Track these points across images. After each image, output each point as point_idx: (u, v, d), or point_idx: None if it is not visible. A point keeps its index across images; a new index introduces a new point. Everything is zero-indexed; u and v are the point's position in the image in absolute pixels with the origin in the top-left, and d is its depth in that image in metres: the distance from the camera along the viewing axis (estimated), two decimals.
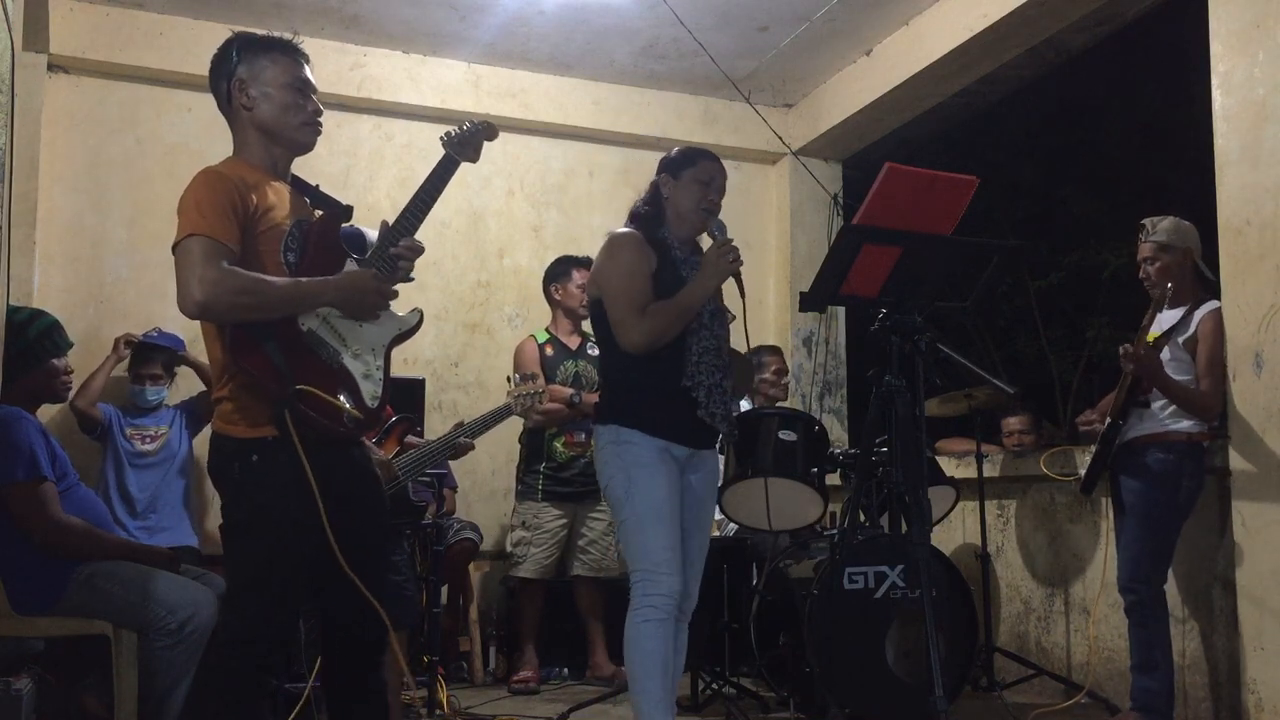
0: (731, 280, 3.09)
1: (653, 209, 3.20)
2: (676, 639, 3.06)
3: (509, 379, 4.56)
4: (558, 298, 5.29)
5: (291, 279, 2.53)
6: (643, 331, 3.00)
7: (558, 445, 5.12)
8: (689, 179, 3.18)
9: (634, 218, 3.22)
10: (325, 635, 2.71)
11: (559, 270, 5.31)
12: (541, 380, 4.55)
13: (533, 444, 5.17)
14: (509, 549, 5.21)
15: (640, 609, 2.94)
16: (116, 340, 5.01)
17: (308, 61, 2.70)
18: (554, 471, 5.12)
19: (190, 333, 5.09)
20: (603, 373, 3.26)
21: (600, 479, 3.12)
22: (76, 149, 5.42)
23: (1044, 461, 4.71)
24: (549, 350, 5.21)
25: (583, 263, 5.30)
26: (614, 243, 3.16)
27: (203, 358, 4.92)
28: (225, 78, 2.64)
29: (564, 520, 5.12)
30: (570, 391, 5.07)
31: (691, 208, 3.17)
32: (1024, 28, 5.10)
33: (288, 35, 2.74)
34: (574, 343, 5.28)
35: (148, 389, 4.90)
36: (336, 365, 2.56)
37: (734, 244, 3.07)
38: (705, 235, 3.20)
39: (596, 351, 5.30)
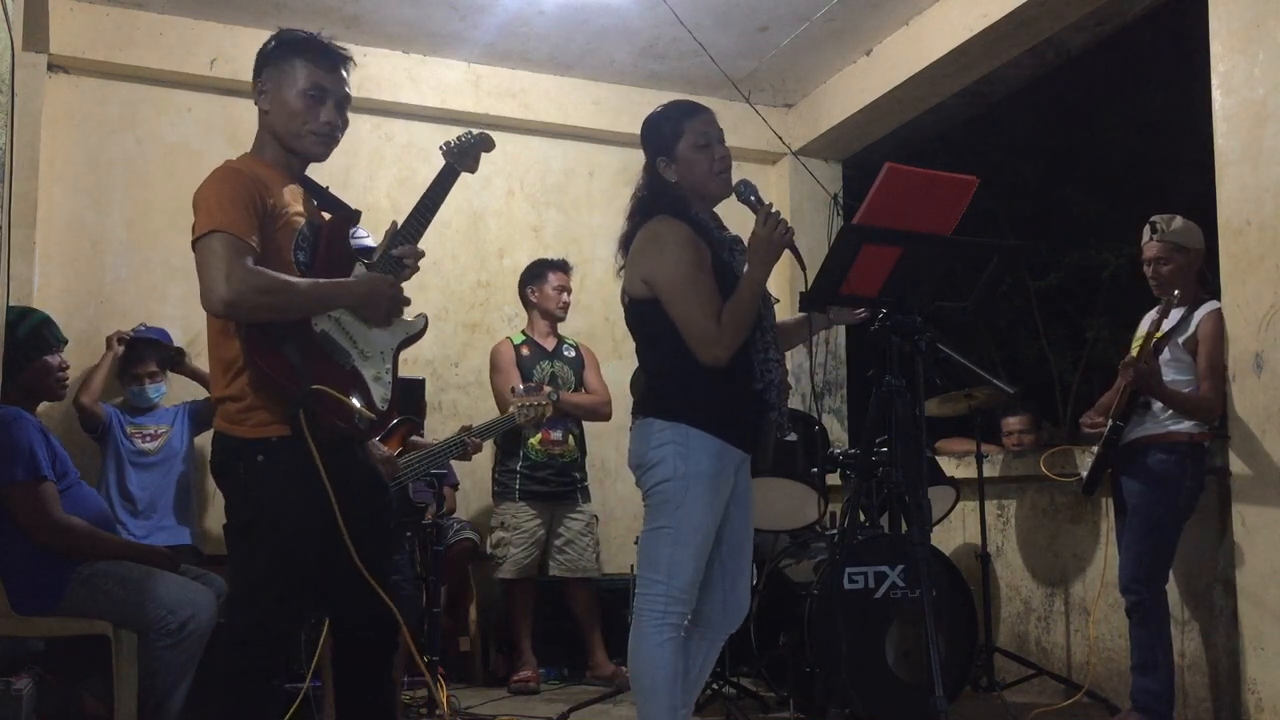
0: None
1: (667, 197, 2.91)
2: (710, 653, 2.99)
3: (513, 389, 4.56)
4: (534, 300, 5.33)
5: (312, 280, 2.54)
6: (726, 345, 2.77)
7: (533, 444, 5.13)
8: (686, 150, 2.92)
9: (652, 207, 2.92)
10: (335, 636, 2.73)
11: (534, 273, 5.36)
12: (547, 391, 4.54)
13: (508, 443, 5.17)
14: (489, 550, 5.22)
15: (662, 628, 2.76)
16: (109, 338, 5.01)
17: (342, 65, 2.67)
18: (530, 471, 5.12)
19: (189, 333, 5.10)
20: (652, 367, 2.95)
21: (650, 474, 2.83)
22: (76, 149, 5.41)
23: (1044, 462, 4.71)
24: (525, 351, 5.25)
25: (557, 265, 5.35)
26: (663, 238, 2.84)
27: (201, 360, 4.97)
28: (256, 76, 2.66)
29: (539, 520, 5.12)
30: (548, 389, 5.08)
31: (707, 178, 2.93)
32: (1024, 28, 5.09)
33: (327, 36, 2.69)
34: (550, 344, 5.32)
35: (147, 387, 4.90)
36: (349, 367, 2.57)
37: (775, 210, 2.84)
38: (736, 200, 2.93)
39: (573, 353, 5.35)
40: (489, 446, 5.30)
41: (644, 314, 2.91)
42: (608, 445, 5.53)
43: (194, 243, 2.46)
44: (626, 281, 2.93)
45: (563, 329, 5.46)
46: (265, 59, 2.65)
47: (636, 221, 2.95)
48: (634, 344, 3.03)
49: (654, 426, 2.83)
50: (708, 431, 2.80)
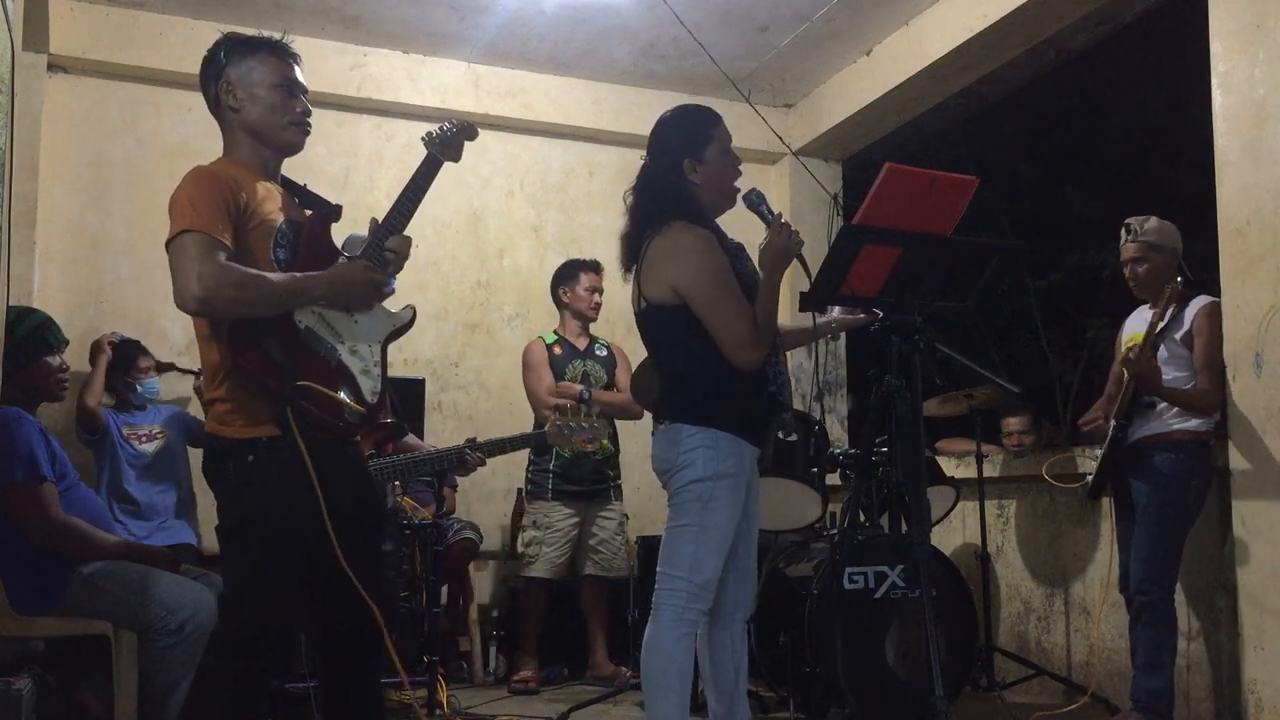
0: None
1: (686, 201, 2.92)
2: (736, 641, 3.04)
3: (556, 409, 4.37)
4: (566, 300, 5.30)
5: (288, 275, 2.53)
6: (762, 348, 2.84)
7: None
8: (715, 154, 2.95)
9: (669, 209, 2.90)
10: (321, 634, 2.72)
11: (567, 273, 5.33)
12: (580, 388, 4.41)
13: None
14: (520, 549, 5.19)
15: (680, 623, 2.81)
16: (97, 341, 4.98)
17: (297, 61, 2.69)
18: (563, 470, 5.11)
19: (189, 334, 5.10)
20: (672, 375, 2.98)
21: (680, 475, 2.85)
22: (76, 149, 5.41)
23: (1046, 468, 4.68)
24: (557, 350, 5.23)
25: (590, 266, 5.32)
26: (692, 245, 2.84)
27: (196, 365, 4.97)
28: (213, 80, 2.65)
29: (576, 519, 5.11)
30: (580, 388, 5.07)
31: (730, 185, 2.98)
32: (1024, 28, 5.10)
33: (277, 35, 2.72)
34: (582, 343, 5.30)
35: (154, 380, 4.95)
36: (335, 361, 2.57)
37: (784, 219, 2.89)
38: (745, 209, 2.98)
39: (604, 353, 5.33)
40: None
41: (667, 320, 2.91)
42: None
43: (167, 245, 2.47)
44: (648, 287, 2.92)
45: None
46: (223, 61, 2.64)
47: (646, 224, 2.94)
48: (636, 345, 3.04)
49: (684, 431, 2.86)
50: (734, 434, 2.86)
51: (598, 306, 5.32)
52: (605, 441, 5.17)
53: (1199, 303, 3.98)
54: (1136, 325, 4.11)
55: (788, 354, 6.05)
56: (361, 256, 2.66)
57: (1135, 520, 3.97)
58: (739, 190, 3.02)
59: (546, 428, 4.23)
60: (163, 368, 5.09)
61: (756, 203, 2.94)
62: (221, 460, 2.52)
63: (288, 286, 2.51)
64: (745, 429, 2.88)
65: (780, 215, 2.92)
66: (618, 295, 6.05)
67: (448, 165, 2.85)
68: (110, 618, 3.37)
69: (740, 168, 3.05)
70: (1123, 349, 4.14)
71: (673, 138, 2.98)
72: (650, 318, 2.97)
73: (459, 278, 6.09)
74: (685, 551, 2.83)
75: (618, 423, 5.33)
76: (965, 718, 4.14)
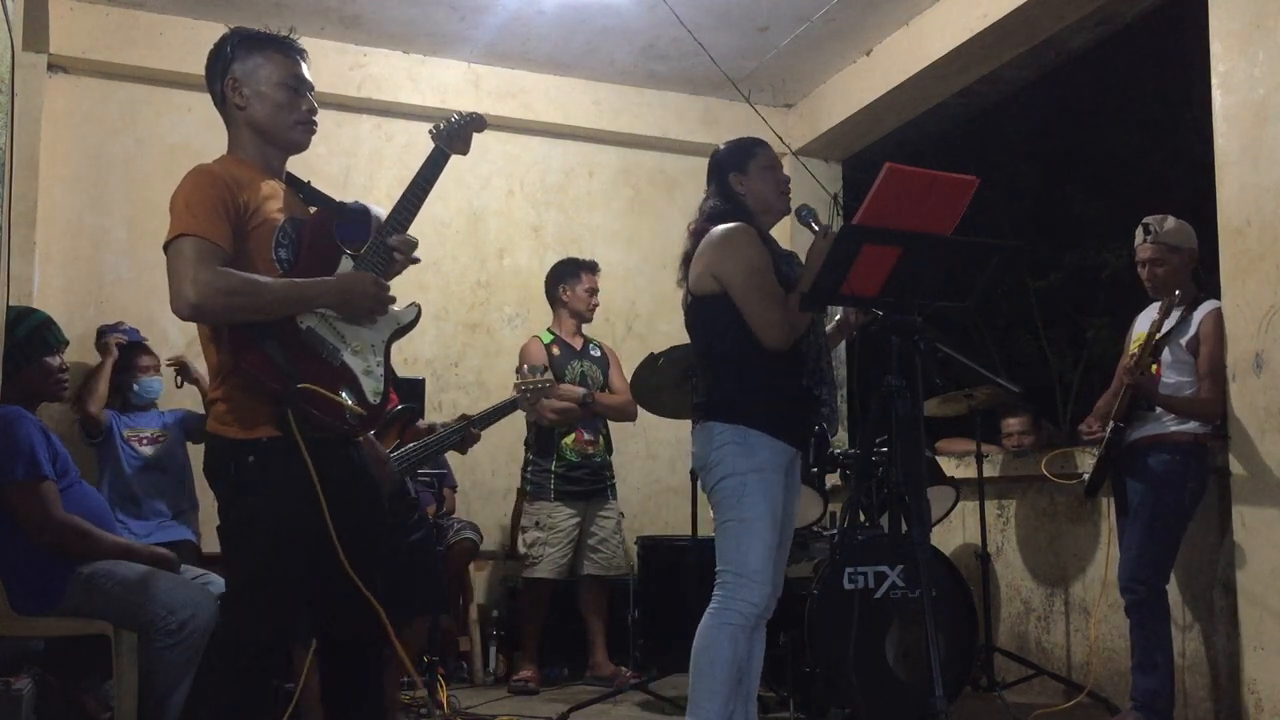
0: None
1: (734, 206, 3.17)
2: (755, 641, 3.08)
3: (517, 371, 4.49)
4: (564, 299, 5.28)
5: (287, 280, 2.51)
6: (788, 327, 2.99)
7: (568, 443, 5.12)
8: (758, 169, 3.20)
9: (720, 215, 3.15)
10: (323, 636, 2.71)
11: (566, 271, 5.31)
12: (550, 374, 4.47)
13: (541, 443, 5.15)
14: (523, 550, 5.18)
15: (727, 612, 2.93)
16: (106, 343, 4.97)
17: (304, 58, 2.67)
18: (565, 471, 5.11)
19: (187, 334, 5.10)
20: (710, 369, 3.17)
21: (712, 473, 3.03)
22: (76, 149, 5.41)
23: (1045, 464, 4.69)
24: (555, 350, 5.21)
25: (589, 266, 5.31)
26: (733, 238, 3.07)
27: (199, 362, 4.96)
28: (220, 76, 2.63)
29: (577, 519, 5.11)
30: (582, 391, 5.06)
31: (774, 196, 3.21)
32: (1024, 28, 5.10)
33: (284, 32, 2.71)
34: (577, 343, 5.29)
35: (150, 380, 4.93)
36: (337, 363, 2.55)
37: (834, 231, 3.01)
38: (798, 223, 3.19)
39: (598, 353, 5.32)
40: (515, 448, 5.25)
41: (707, 310, 3.10)
42: None
43: (165, 247, 2.46)
44: (693, 281, 3.12)
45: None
46: (229, 57, 2.62)
47: (701, 232, 3.14)
48: (634, 346, 3.08)
49: (715, 429, 3.03)
50: (765, 431, 2.99)
51: (595, 307, 5.32)
52: (600, 445, 5.19)
53: (1207, 307, 3.96)
54: (1145, 324, 4.10)
55: None
56: (365, 255, 2.63)
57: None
58: (789, 203, 3.26)
59: (513, 394, 4.29)
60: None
61: (806, 217, 3.14)
62: (222, 460, 2.51)
63: (286, 293, 2.49)
64: (776, 427, 2.99)
65: (829, 226, 3.07)
66: (616, 295, 6.09)
67: (449, 164, 2.83)
68: (110, 618, 3.37)
69: (787, 179, 3.27)
70: (1131, 346, 4.14)
71: (723, 160, 3.26)
72: (693, 311, 3.17)
73: (459, 278, 6.09)
74: (728, 546, 2.97)
75: (612, 425, 5.33)
76: (965, 718, 4.14)
